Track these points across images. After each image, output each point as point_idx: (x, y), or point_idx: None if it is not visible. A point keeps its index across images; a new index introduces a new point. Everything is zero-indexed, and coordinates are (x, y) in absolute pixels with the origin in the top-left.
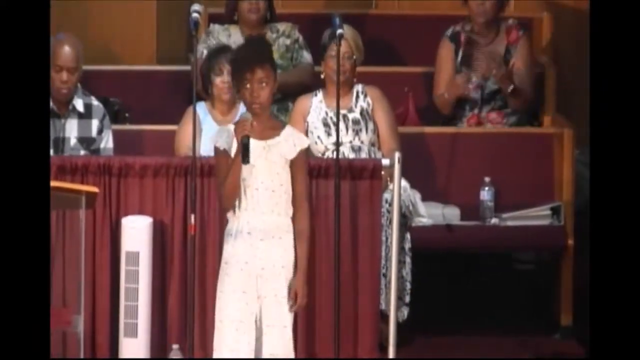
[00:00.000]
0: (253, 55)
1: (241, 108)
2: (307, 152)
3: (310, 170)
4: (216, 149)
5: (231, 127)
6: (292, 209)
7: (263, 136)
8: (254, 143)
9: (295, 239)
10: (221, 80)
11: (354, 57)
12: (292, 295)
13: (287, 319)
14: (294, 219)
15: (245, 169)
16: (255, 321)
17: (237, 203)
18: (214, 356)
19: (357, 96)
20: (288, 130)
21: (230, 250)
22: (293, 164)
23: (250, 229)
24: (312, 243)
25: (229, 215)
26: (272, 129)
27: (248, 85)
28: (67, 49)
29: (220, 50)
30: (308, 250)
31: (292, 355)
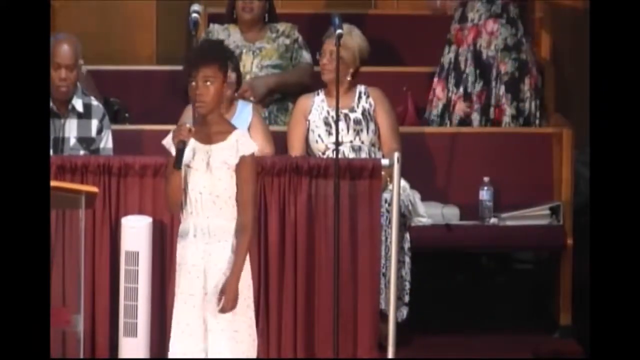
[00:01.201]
0: (201, 54)
1: (239, 106)
2: (252, 158)
3: (310, 170)
4: (167, 152)
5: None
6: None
7: (208, 140)
8: (197, 147)
9: (235, 239)
10: None
11: (341, 56)
12: (219, 296)
13: (242, 323)
14: (237, 223)
15: (189, 173)
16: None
17: (184, 206)
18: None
19: (360, 96)
20: (236, 135)
21: (181, 252)
22: (237, 169)
23: (196, 232)
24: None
25: (181, 217)
26: (218, 134)
27: (193, 83)
28: (64, 46)
29: None
30: (245, 250)
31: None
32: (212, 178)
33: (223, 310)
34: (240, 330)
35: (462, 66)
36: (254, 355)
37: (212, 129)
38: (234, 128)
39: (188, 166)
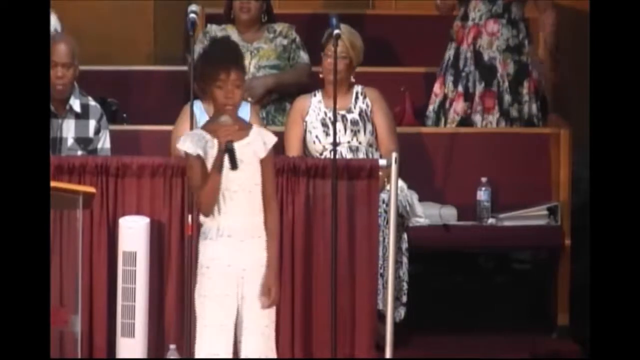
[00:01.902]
0: (229, 56)
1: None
2: (272, 151)
3: (307, 170)
4: (187, 155)
5: (199, 131)
6: (263, 207)
7: (234, 138)
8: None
9: (267, 237)
10: None
11: (349, 56)
12: (266, 292)
13: (269, 318)
14: (265, 218)
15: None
16: (235, 323)
17: (216, 207)
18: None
19: (357, 97)
20: (256, 129)
21: (210, 254)
22: (263, 162)
23: (230, 232)
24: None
25: (204, 219)
26: (241, 130)
27: (222, 86)
28: (61, 45)
29: None
30: (278, 248)
31: (274, 355)
32: (245, 174)
33: (269, 306)
34: (269, 325)
35: (461, 65)
36: (274, 351)
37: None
38: (249, 124)
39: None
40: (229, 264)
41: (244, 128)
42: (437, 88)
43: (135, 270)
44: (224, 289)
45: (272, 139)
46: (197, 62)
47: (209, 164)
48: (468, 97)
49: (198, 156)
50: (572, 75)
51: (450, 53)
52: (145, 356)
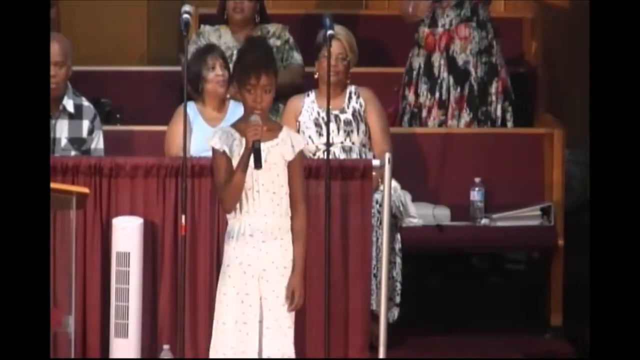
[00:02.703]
0: (261, 60)
1: (231, 105)
2: (302, 154)
3: None
4: (214, 151)
5: (228, 128)
6: (290, 210)
7: (262, 138)
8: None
9: (292, 239)
10: (215, 75)
11: (348, 58)
12: (290, 295)
13: (289, 319)
14: (292, 219)
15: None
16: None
17: (239, 206)
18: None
19: (350, 97)
20: (285, 131)
21: (232, 252)
22: (291, 165)
23: (252, 231)
24: (305, 243)
25: (229, 217)
26: (270, 131)
27: (251, 90)
28: (53, 44)
29: (208, 49)
30: (304, 250)
31: (293, 356)
32: (271, 174)
33: (294, 309)
34: (291, 327)
35: (436, 72)
36: (293, 352)
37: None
38: (279, 125)
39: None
40: (249, 264)
41: (274, 129)
42: (410, 97)
43: (128, 271)
44: (244, 288)
45: (301, 143)
46: (233, 65)
47: (235, 162)
48: (443, 104)
49: (224, 153)
50: (565, 75)
51: (419, 61)
52: (138, 356)
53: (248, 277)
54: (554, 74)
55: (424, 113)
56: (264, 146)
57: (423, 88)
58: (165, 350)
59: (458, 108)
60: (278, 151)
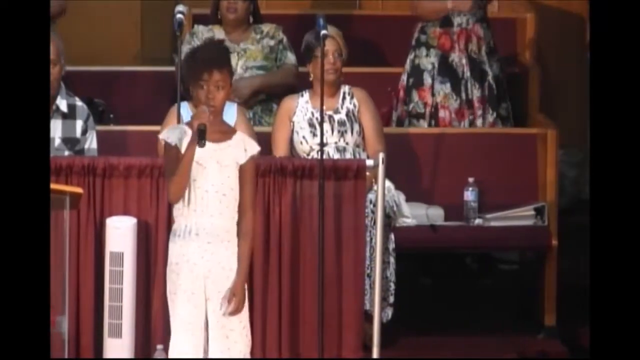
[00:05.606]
0: (212, 57)
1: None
2: (256, 159)
3: (294, 171)
4: (166, 145)
5: (183, 126)
6: (238, 213)
7: (215, 139)
8: (207, 144)
9: (238, 242)
10: None
11: (343, 55)
12: (229, 298)
13: (237, 322)
14: (239, 222)
15: (196, 170)
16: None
17: (187, 203)
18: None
19: (344, 97)
20: (239, 135)
21: (178, 250)
22: (242, 169)
23: (198, 231)
24: (250, 248)
25: (177, 215)
26: (223, 133)
27: (204, 87)
28: None
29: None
30: (249, 253)
31: (248, 357)
32: (222, 176)
33: (233, 313)
34: (236, 329)
35: (459, 72)
36: (248, 355)
37: (215, 129)
38: (233, 128)
39: (197, 163)
40: (195, 263)
41: (228, 132)
42: (417, 98)
43: (122, 271)
44: (190, 287)
45: (254, 148)
46: (183, 61)
47: None
48: (470, 104)
49: (175, 146)
50: (558, 75)
51: (432, 61)
52: (132, 357)
53: (194, 277)
54: (547, 74)
55: (443, 113)
56: (217, 146)
57: (441, 88)
58: (159, 351)
59: (482, 108)
60: (230, 153)
